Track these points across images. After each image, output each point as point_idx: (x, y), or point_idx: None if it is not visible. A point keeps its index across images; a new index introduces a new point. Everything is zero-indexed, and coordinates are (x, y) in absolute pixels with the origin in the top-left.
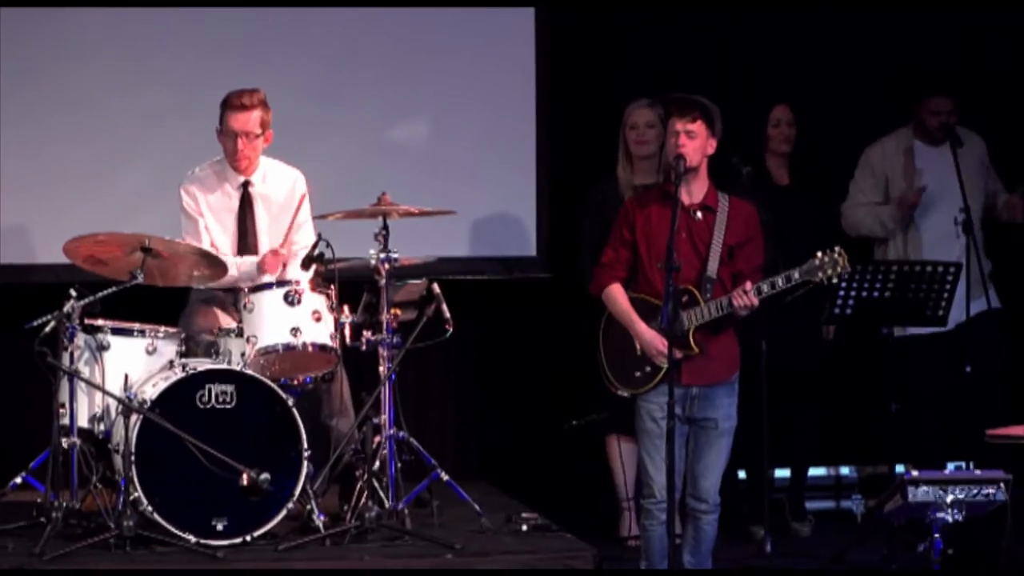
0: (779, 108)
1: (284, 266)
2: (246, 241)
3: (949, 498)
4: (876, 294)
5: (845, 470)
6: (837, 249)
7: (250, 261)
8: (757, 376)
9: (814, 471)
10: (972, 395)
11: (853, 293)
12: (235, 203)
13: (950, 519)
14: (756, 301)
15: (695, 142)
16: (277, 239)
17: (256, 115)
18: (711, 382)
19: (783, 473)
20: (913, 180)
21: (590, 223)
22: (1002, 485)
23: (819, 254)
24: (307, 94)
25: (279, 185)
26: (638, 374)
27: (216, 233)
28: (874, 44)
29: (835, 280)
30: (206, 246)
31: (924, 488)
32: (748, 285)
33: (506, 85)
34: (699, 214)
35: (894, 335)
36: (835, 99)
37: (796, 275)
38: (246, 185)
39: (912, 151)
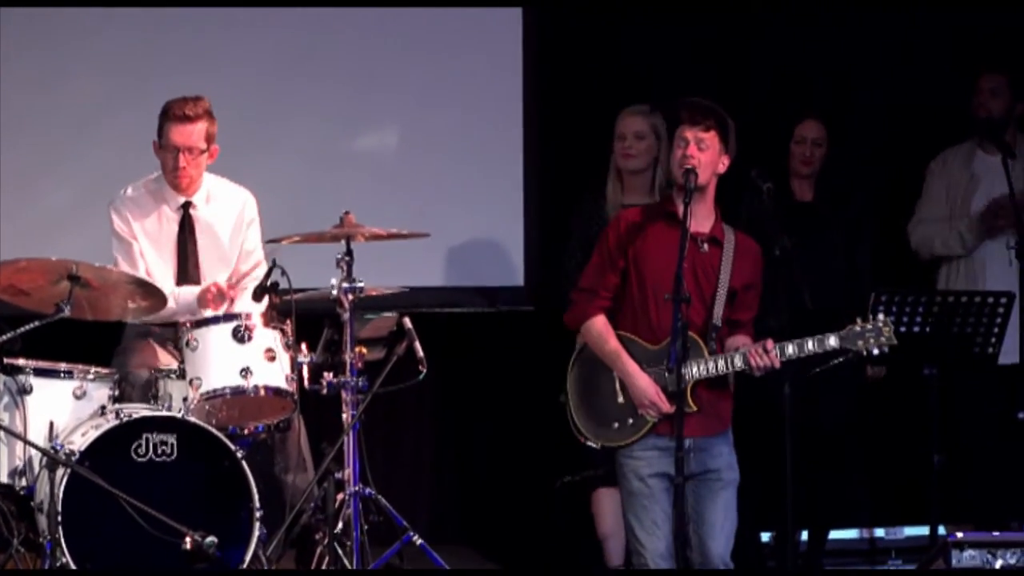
0: (807, 124)
1: (231, 302)
2: (187, 272)
3: (998, 563)
4: (916, 329)
5: (880, 532)
6: (882, 318)
7: (190, 292)
8: (780, 424)
9: (845, 534)
10: None
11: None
12: (174, 228)
13: None
14: (778, 363)
15: (706, 154)
16: (223, 269)
17: (201, 127)
18: (708, 433)
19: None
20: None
21: (573, 249)
22: None
23: (859, 321)
24: (257, 100)
25: (225, 207)
26: (616, 425)
27: (153, 262)
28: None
29: (876, 352)
30: (142, 274)
31: (970, 552)
32: (770, 344)
33: (488, 88)
34: (706, 246)
35: None
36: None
37: (831, 341)
38: (187, 207)
39: (973, 158)
